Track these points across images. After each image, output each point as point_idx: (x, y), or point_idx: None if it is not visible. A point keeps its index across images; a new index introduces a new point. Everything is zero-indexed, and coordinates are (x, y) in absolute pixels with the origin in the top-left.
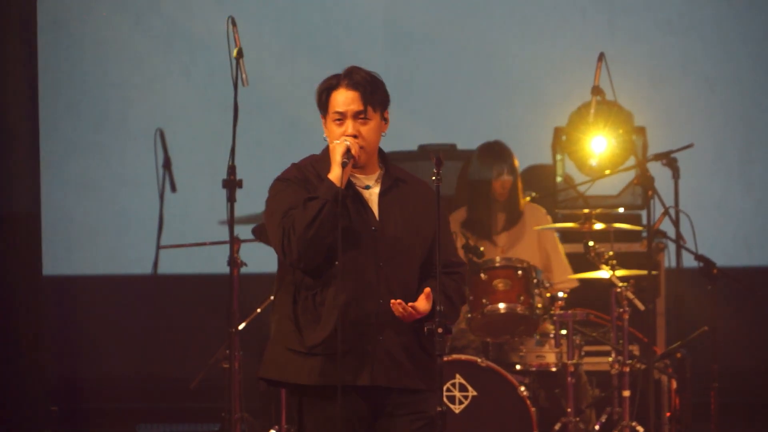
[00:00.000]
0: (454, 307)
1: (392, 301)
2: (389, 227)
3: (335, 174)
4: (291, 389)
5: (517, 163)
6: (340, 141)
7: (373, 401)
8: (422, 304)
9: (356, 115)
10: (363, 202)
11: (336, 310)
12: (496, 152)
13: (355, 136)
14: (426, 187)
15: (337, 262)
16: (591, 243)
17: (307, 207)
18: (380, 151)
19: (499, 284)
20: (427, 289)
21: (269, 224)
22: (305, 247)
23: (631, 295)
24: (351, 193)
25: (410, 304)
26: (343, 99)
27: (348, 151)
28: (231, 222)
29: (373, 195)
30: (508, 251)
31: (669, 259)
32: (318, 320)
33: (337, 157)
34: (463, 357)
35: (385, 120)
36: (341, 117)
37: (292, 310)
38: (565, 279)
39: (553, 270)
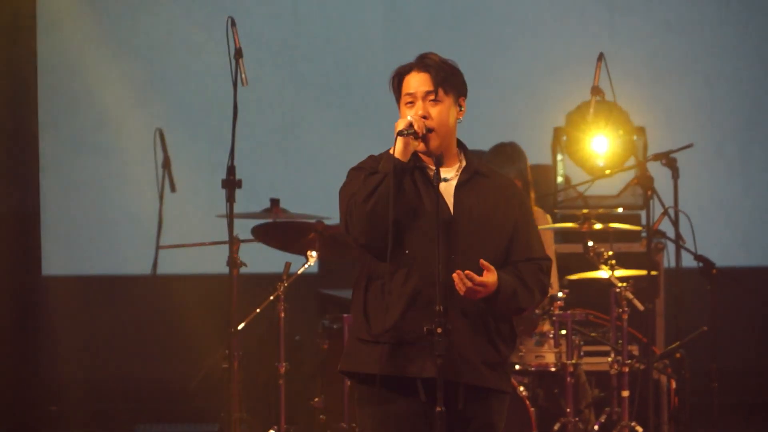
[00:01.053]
0: (528, 290)
1: (454, 275)
2: (463, 219)
3: (394, 147)
4: (355, 378)
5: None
6: (403, 117)
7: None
8: (486, 276)
9: (426, 96)
10: (438, 193)
11: (404, 299)
12: (507, 154)
13: (424, 118)
14: (508, 182)
15: (407, 251)
16: (590, 243)
17: (367, 181)
18: (461, 144)
19: None
20: (483, 262)
21: (340, 208)
22: (365, 220)
23: (630, 295)
24: (425, 181)
25: (467, 272)
26: (414, 81)
27: (410, 125)
28: (230, 222)
29: (449, 186)
30: None
31: (668, 259)
32: (386, 308)
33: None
34: None
35: (460, 107)
36: (412, 99)
37: (363, 300)
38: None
39: None
